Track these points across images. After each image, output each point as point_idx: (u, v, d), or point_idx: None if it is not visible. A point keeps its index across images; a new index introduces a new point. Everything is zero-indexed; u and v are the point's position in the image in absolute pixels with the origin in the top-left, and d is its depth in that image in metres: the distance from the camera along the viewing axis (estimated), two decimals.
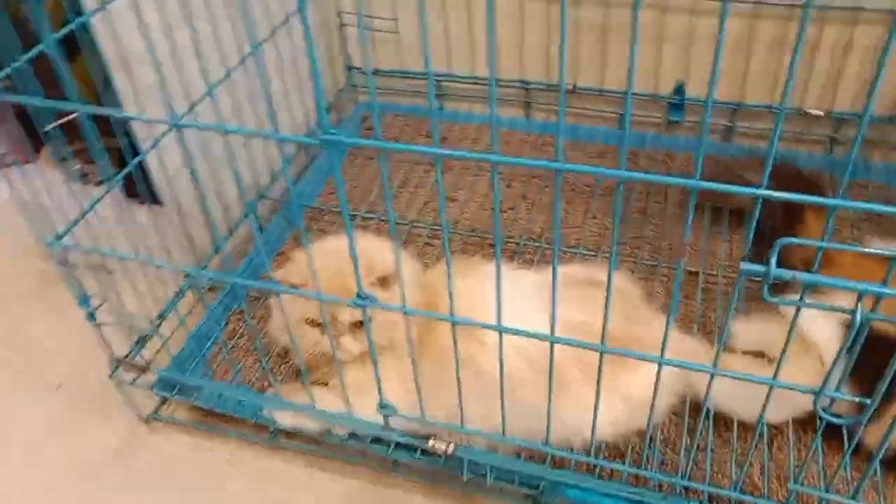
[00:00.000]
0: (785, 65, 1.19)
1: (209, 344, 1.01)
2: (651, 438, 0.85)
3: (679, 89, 1.27)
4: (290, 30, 1.19)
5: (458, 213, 1.20)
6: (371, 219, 1.20)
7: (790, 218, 1.00)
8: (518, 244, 1.13)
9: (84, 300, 0.85)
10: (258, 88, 1.13)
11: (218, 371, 0.98)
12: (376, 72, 1.42)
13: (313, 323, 0.81)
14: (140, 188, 0.94)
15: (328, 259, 0.75)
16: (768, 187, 1.04)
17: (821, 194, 1.08)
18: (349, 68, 1.43)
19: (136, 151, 0.95)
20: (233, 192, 1.14)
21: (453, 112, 1.41)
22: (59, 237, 0.79)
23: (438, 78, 1.38)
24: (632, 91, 0.48)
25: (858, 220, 1.13)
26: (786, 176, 1.05)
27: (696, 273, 1.05)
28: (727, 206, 1.13)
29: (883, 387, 0.56)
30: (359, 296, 0.68)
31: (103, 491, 0.92)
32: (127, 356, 0.93)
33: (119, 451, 0.96)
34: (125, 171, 0.89)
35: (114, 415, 0.99)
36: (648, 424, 0.70)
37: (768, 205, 1.11)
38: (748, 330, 0.91)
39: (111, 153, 0.86)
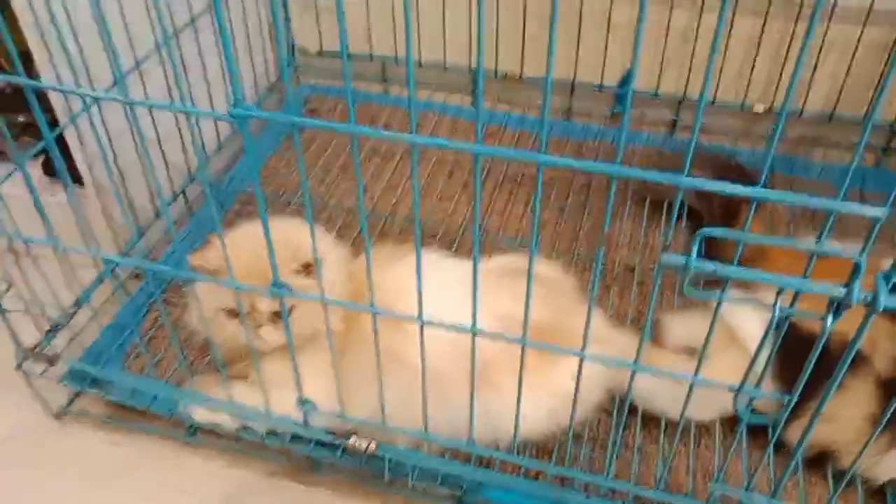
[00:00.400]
0: (731, 59, 1.19)
1: (126, 334, 0.97)
2: (578, 436, 0.83)
3: (625, 79, 1.25)
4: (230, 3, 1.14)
5: (399, 202, 1.17)
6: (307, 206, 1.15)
7: (728, 216, 0.99)
8: (457, 235, 1.10)
9: None
10: (192, 64, 1.09)
11: (135, 364, 0.93)
12: (320, 52, 1.37)
13: (231, 313, 0.77)
14: (59, 167, 0.89)
15: (249, 243, 0.71)
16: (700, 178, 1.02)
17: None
18: (292, 47, 1.38)
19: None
20: (161, 176, 1.08)
21: (398, 97, 1.38)
22: None
23: (384, 61, 1.34)
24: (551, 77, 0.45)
25: (795, 218, 1.12)
26: (726, 170, 1.04)
27: (633, 268, 1.04)
28: (667, 201, 1.12)
29: (801, 383, 0.54)
30: (275, 284, 0.64)
31: (8, 484, 0.86)
32: (36, 346, 0.88)
33: (26, 445, 0.90)
34: (37, 147, 0.84)
35: (22, 408, 0.93)
36: (571, 419, 0.68)
37: (707, 202, 1.10)
38: (681, 325, 0.89)
39: (30, 130, 0.81)
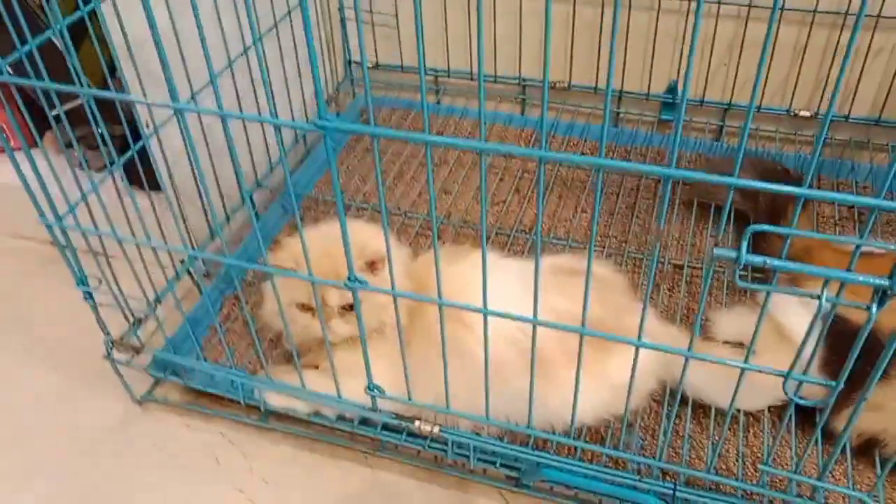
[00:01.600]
0: (776, 66, 1.22)
1: (203, 327, 1.04)
2: (630, 424, 0.87)
3: (671, 88, 1.29)
4: (291, 22, 1.21)
5: (452, 206, 1.22)
6: (365, 209, 1.22)
7: (774, 217, 1.02)
8: (509, 236, 1.15)
9: (82, 280, 0.87)
10: (258, 78, 1.16)
11: (211, 354, 1.00)
12: (376, 66, 1.44)
13: (303, 307, 0.83)
14: (141, 174, 0.96)
15: (318, 243, 0.78)
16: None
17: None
18: (349, 62, 1.45)
19: (138, 139, 0.97)
20: (231, 181, 1.16)
21: (450, 107, 1.44)
22: (60, 218, 0.81)
23: (436, 73, 1.40)
24: (611, 87, 0.49)
25: (841, 221, 1.15)
26: (771, 174, 1.07)
27: (682, 266, 1.08)
28: (714, 203, 1.16)
29: (847, 369, 0.58)
30: (350, 278, 0.70)
31: (98, 467, 0.94)
32: (122, 337, 0.95)
33: (113, 429, 0.98)
34: (126, 155, 0.92)
35: (109, 395, 1.01)
36: (626, 405, 0.72)
37: (753, 203, 1.14)
38: (729, 321, 0.93)
39: (115, 140, 0.88)
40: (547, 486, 0.86)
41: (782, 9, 1.15)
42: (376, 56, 1.44)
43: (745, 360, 0.62)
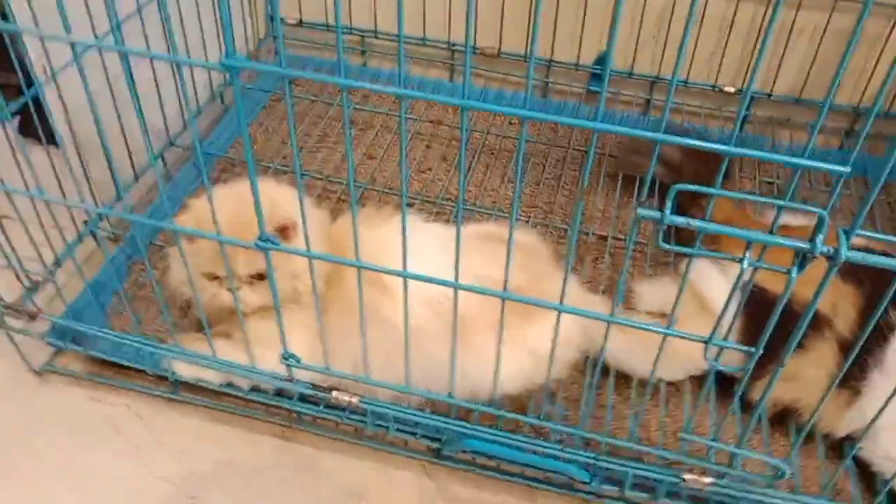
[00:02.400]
0: (703, 41, 1.22)
1: (108, 294, 0.97)
2: (553, 393, 0.86)
3: (601, 59, 1.28)
4: None
5: (376, 171, 1.19)
6: (285, 172, 1.17)
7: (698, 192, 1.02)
8: (434, 203, 1.12)
9: None
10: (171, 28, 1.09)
11: (117, 323, 0.94)
12: (300, 23, 1.38)
13: (210, 276, 0.79)
14: (35, 126, 0.89)
15: (228, 205, 0.72)
16: (681, 159, 1.06)
17: (728, 167, 1.12)
18: (272, 18, 1.39)
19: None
20: (139, 139, 1.09)
21: (377, 70, 1.39)
22: None
23: (362, 33, 1.35)
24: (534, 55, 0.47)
25: (762, 194, 1.16)
26: (696, 149, 1.07)
27: (605, 237, 1.07)
28: (639, 176, 1.16)
29: (766, 335, 0.58)
30: (261, 238, 0.66)
31: None
32: (15, 303, 0.88)
33: (9, 401, 0.91)
34: (21, 102, 0.84)
35: (2, 365, 0.94)
36: (548, 373, 0.70)
37: (678, 175, 1.14)
38: (652, 292, 0.93)
39: (7, 90, 0.81)
40: (469, 457, 0.85)
41: None
42: (300, 12, 1.37)
43: (667, 327, 0.61)
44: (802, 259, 0.51)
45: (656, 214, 0.52)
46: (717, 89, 1.25)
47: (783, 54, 1.19)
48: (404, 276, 0.65)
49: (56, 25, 0.71)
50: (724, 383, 0.86)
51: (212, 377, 0.85)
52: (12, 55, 0.84)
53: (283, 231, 0.74)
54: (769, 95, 1.24)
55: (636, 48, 1.25)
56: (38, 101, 0.87)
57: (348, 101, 0.55)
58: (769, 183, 1.17)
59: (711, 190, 0.51)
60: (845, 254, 0.50)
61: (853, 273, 0.80)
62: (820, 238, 0.49)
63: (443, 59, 1.36)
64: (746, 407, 0.84)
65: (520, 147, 0.52)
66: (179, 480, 0.84)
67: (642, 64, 1.27)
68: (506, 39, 1.31)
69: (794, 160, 0.48)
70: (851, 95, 1.21)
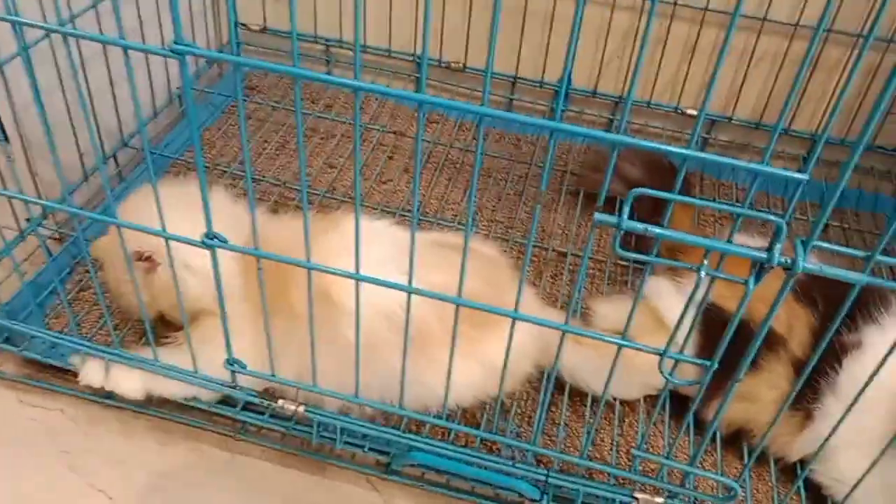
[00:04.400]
0: (666, 63, 1.23)
1: (47, 294, 0.93)
2: (507, 410, 0.84)
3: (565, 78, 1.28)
4: None
5: (336, 181, 1.16)
6: (241, 177, 1.14)
7: (657, 209, 1.02)
8: (395, 214, 1.10)
9: None
10: (131, 27, 1.06)
11: (55, 324, 0.90)
12: (264, 30, 1.36)
13: (141, 257, 0.76)
14: None
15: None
16: (640, 176, 1.06)
17: (688, 189, 1.12)
18: (235, 24, 1.36)
19: None
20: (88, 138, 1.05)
21: (341, 79, 1.37)
22: None
23: (327, 42, 1.34)
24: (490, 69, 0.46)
25: (721, 218, 1.17)
26: (657, 166, 1.08)
27: (564, 254, 1.06)
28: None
29: (722, 348, 0.57)
30: (207, 235, 0.63)
31: None
32: None
33: None
34: None
35: None
36: (500, 385, 0.69)
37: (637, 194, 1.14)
38: (609, 309, 0.92)
39: None
40: (418, 472, 0.82)
41: (675, 3, 1.16)
42: (264, 19, 1.35)
43: (622, 337, 0.59)
44: (760, 269, 0.51)
45: (613, 219, 0.51)
46: (679, 111, 1.26)
47: (744, 79, 1.21)
48: (356, 278, 0.62)
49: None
50: (679, 404, 0.85)
51: (130, 387, 0.81)
52: None
53: (146, 260, 0.77)
54: (730, 119, 1.25)
55: (600, 68, 1.26)
56: None
57: (300, 92, 0.53)
58: (730, 204, 1.18)
59: (670, 195, 0.50)
60: (802, 264, 0.49)
61: (808, 295, 0.80)
62: (777, 247, 0.49)
63: (409, 71, 1.35)
64: (700, 427, 0.83)
65: (479, 148, 0.51)
66: (116, 493, 0.80)
67: (606, 82, 1.27)
68: (472, 55, 1.30)
69: (753, 166, 0.48)
70: (810, 122, 1.23)
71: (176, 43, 0.53)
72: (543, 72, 1.29)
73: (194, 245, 0.63)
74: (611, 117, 1.31)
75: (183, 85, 0.53)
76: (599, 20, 1.21)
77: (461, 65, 1.31)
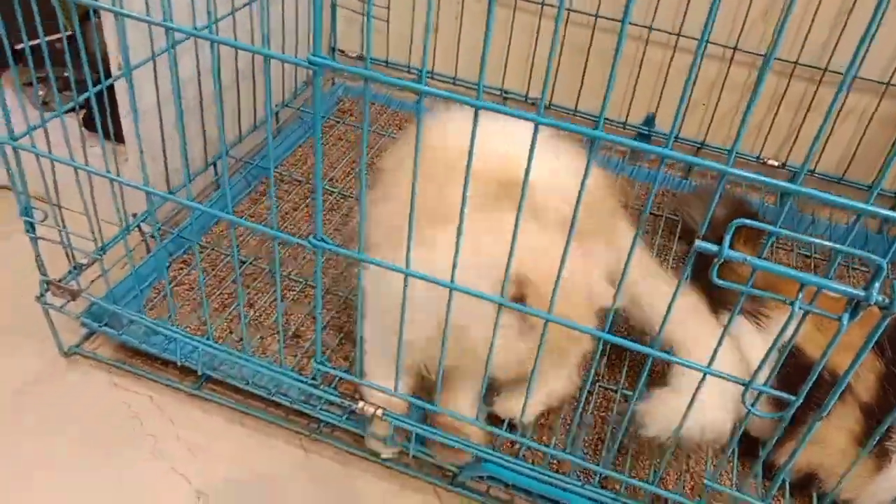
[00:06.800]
0: (754, 113, 1.24)
1: (147, 285, 0.99)
2: (574, 438, 0.85)
3: (648, 120, 1.31)
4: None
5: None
6: (332, 193, 1.19)
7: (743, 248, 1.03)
8: None
9: (27, 210, 0.82)
10: (248, 39, 1.13)
11: (151, 315, 0.95)
12: (359, 57, 1.43)
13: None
14: (99, 122, 0.91)
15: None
16: (725, 217, 1.06)
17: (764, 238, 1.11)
18: (333, 49, 1.43)
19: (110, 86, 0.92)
20: (194, 144, 1.11)
21: (462, 97, 1.42)
22: (15, 137, 0.76)
23: (419, 73, 1.39)
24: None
25: (801, 266, 1.17)
26: (742, 212, 1.09)
27: None
28: (682, 221, 1.19)
29: (807, 387, 0.58)
30: (316, 236, 0.67)
31: (12, 421, 0.88)
32: (61, 280, 0.90)
33: (34, 380, 0.92)
34: (83, 96, 0.84)
35: (34, 343, 0.95)
36: (577, 413, 0.70)
37: (715, 235, 1.14)
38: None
39: (82, 86, 0.83)
40: (483, 487, 0.84)
41: (769, 57, 1.18)
42: (361, 47, 1.42)
43: (709, 365, 0.61)
44: (855, 307, 0.52)
45: (714, 248, 0.53)
46: (760, 160, 1.27)
47: (830, 132, 1.21)
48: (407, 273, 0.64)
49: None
50: (747, 450, 0.85)
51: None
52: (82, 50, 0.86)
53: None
54: (812, 172, 1.26)
55: (685, 113, 1.28)
56: (101, 98, 0.88)
57: (422, 107, 0.57)
58: (806, 256, 1.18)
59: (772, 228, 0.52)
60: None
61: (876, 342, 0.79)
62: (876, 286, 0.50)
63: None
64: (768, 473, 0.82)
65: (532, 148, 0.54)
66: (195, 478, 0.84)
67: (689, 128, 1.29)
68: (558, 93, 1.34)
69: (857, 205, 0.49)
70: (893, 181, 1.23)
71: (314, 55, 0.57)
72: (628, 114, 1.31)
73: (305, 245, 0.67)
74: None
75: (313, 94, 0.58)
76: (683, 65, 1.23)
77: (548, 102, 1.35)
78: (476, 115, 0.56)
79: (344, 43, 1.43)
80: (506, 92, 1.37)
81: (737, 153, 0.52)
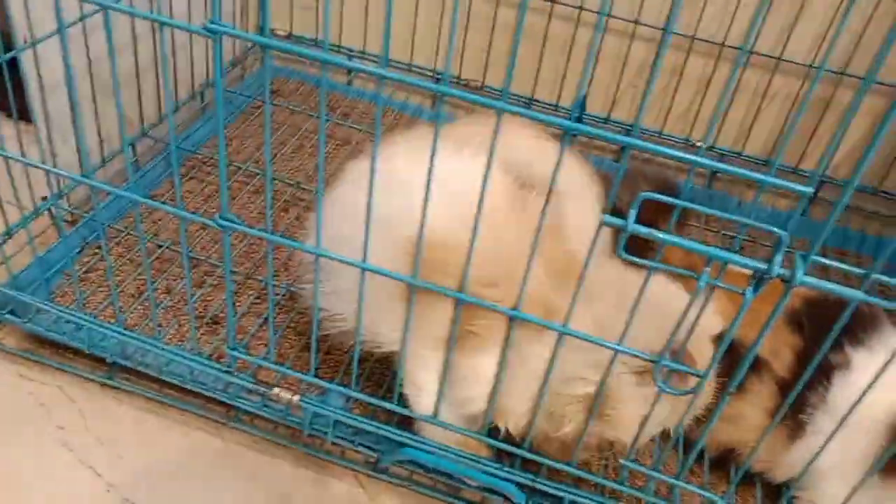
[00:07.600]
0: (680, 95, 1.25)
1: (56, 272, 0.94)
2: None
3: (579, 103, 1.31)
4: None
5: None
6: (256, 174, 1.16)
7: (662, 224, 1.04)
8: None
9: None
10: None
11: (60, 302, 0.91)
12: (289, 36, 1.39)
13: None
14: (9, 100, 0.87)
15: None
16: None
17: (687, 217, 1.12)
18: (261, 28, 1.39)
19: (14, 61, 0.87)
20: (112, 123, 1.07)
21: (360, 90, 1.40)
22: None
23: (350, 53, 1.37)
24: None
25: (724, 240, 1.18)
26: (664, 186, 1.09)
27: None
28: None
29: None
30: (221, 216, 0.65)
31: None
32: None
33: None
34: None
35: None
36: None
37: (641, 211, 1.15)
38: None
39: None
40: (406, 473, 0.82)
41: (693, 38, 1.19)
42: (291, 26, 1.38)
43: (620, 342, 0.60)
44: (759, 280, 0.52)
45: (621, 222, 0.52)
46: (689, 143, 1.28)
47: (756, 115, 1.23)
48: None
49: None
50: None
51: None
52: None
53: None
54: (739, 154, 1.27)
55: (615, 96, 1.28)
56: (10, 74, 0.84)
57: (328, 80, 0.55)
58: (731, 237, 1.19)
59: (678, 201, 0.52)
60: (801, 277, 0.50)
61: (795, 320, 0.80)
62: (777, 259, 0.50)
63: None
64: (687, 449, 0.83)
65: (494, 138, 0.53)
66: (104, 470, 0.81)
67: (620, 111, 1.30)
68: (490, 76, 1.33)
69: (762, 177, 0.49)
70: (819, 162, 1.25)
71: (212, 22, 0.54)
72: (559, 97, 1.31)
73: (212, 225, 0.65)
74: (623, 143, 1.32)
75: (214, 65, 0.55)
76: (617, 51, 1.23)
77: (479, 83, 1.33)
78: (438, 110, 0.54)
79: (274, 21, 1.39)
80: (439, 73, 1.35)
81: (662, 134, 0.52)
